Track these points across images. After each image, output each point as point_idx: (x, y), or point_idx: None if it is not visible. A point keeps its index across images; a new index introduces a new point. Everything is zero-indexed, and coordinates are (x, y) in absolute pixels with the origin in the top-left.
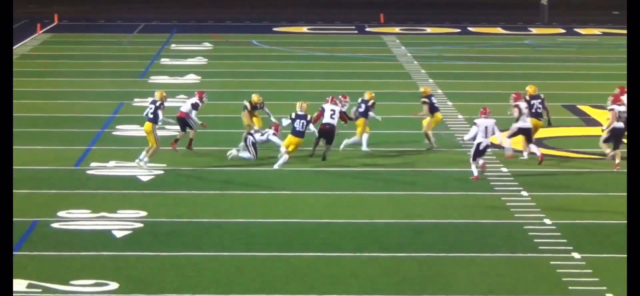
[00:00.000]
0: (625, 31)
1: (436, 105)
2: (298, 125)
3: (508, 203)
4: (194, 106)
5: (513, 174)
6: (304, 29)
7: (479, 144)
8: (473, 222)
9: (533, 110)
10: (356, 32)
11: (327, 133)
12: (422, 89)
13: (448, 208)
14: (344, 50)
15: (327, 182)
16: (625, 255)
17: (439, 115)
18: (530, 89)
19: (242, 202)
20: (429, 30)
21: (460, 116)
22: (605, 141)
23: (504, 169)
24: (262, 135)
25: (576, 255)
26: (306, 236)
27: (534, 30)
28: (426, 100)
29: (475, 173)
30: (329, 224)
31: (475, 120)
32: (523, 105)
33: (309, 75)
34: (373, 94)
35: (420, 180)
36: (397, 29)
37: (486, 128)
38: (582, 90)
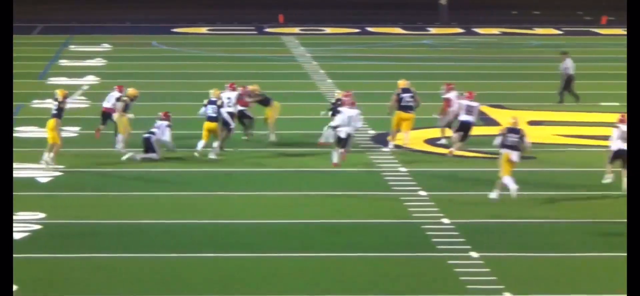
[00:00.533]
0: (523, 31)
1: (268, 97)
2: (209, 110)
3: (406, 203)
4: (118, 100)
5: (411, 174)
6: (204, 30)
7: (340, 132)
8: (371, 222)
9: (402, 103)
10: (256, 32)
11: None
12: (250, 87)
13: (347, 208)
14: (243, 51)
15: (232, 183)
16: (523, 254)
17: (276, 104)
18: (401, 83)
19: (143, 202)
20: (328, 30)
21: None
22: (457, 132)
23: (402, 169)
24: (158, 129)
25: (474, 254)
26: (209, 237)
27: (433, 30)
28: (259, 96)
29: (335, 160)
30: (232, 225)
31: (340, 108)
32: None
33: (208, 76)
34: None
35: (320, 180)
36: (296, 30)
37: (349, 117)
38: (481, 90)
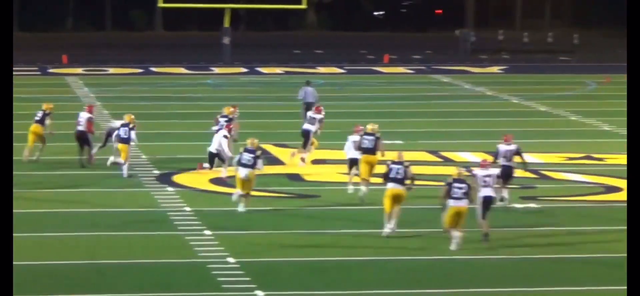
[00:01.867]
0: (306, 70)
1: None
2: (121, 132)
3: (191, 242)
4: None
5: (196, 213)
6: None
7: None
8: (156, 262)
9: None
10: (39, 73)
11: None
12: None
13: (131, 248)
14: (26, 92)
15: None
16: (308, 292)
17: None
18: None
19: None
20: (111, 70)
21: (143, 156)
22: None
23: (187, 208)
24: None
25: (260, 293)
26: None
27: (217, 70)
28: None
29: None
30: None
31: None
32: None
33: None
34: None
35: (101, 219)
36: (79, 70)
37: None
38: (265, 129)
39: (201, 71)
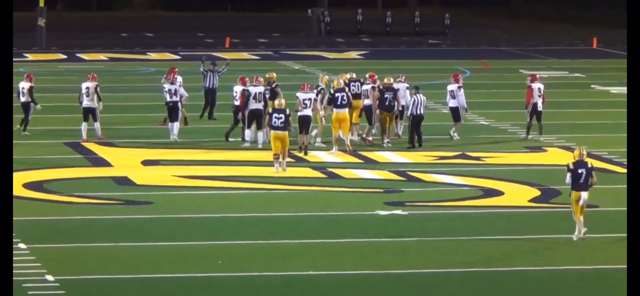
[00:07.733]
0: (135, 56)
1: None
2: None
3: None
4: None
5: None
6: None
7: None
8: None
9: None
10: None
11: None
12: None
13: None
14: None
15: None
16: None
17: None
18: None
19: None
20: None
21: None
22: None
23: None
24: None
25: None
26: None
27: (31, 56)
28: None
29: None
30: None
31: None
32: None
33: None
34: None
35: None
36: None
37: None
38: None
39: (14, 58)
